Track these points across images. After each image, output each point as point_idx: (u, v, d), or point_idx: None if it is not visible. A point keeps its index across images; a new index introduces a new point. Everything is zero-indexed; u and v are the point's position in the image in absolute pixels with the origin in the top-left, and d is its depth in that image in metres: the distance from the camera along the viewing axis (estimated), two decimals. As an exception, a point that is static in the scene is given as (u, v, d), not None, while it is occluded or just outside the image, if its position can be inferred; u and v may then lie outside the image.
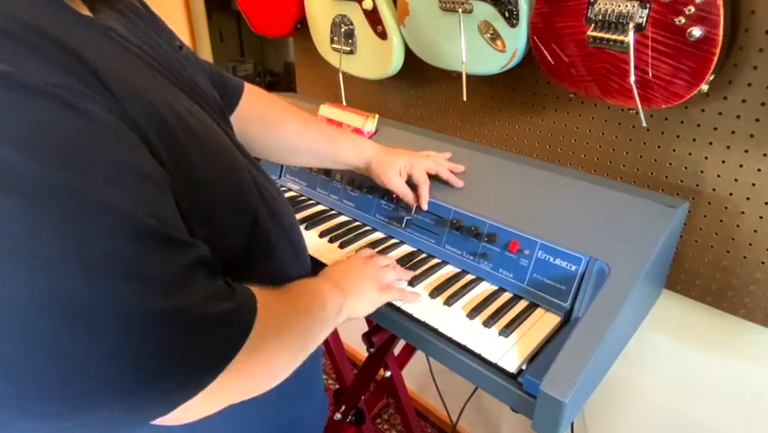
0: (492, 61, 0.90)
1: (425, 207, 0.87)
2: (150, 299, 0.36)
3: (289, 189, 1.11)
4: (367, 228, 0.95)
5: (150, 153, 0.39)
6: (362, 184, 0.97)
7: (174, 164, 0.42)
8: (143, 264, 0.36)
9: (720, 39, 0.65)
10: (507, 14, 0.83)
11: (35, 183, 0.32)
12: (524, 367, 0.64)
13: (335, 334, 1.25)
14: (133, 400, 0.36)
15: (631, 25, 0.70)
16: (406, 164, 0.87)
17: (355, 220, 0.98)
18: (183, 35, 1.90)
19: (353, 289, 0.67)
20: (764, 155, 0.76)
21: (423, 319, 0.72)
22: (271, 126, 0.83)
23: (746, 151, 0.77)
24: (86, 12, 0.44)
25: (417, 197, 0.87)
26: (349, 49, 1.12)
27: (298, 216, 1.00)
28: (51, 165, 0.32)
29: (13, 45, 0.34)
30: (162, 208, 0.39)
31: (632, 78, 0.73)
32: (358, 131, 1.04)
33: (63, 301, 0.33)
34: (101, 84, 0.37)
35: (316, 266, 0.81)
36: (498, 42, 0.87)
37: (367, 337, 0.90)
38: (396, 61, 1.06)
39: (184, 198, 0.42)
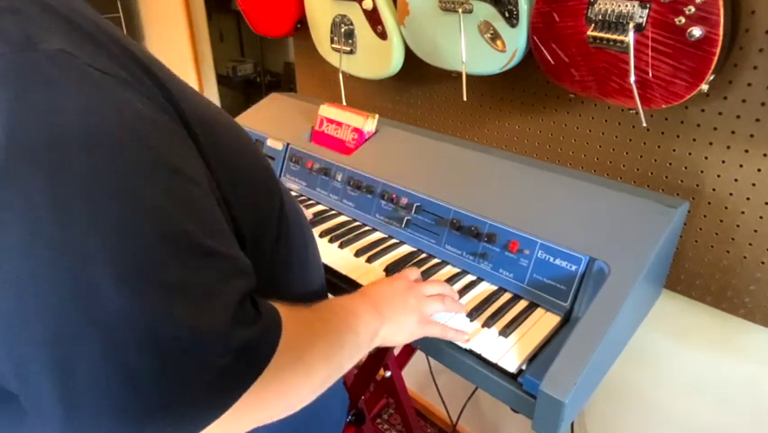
0: (492, 61, 0.90)
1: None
2: (172, 310, 0.33)
3: (289, 189, 1.11)
4: (367, 228, 0.95)
5: (198, 154, 0.39)
6: (362, 184, 0.97)
7: (218, 163, 0.42)
8: (171, 270, 0.34)
9: (720, 39, 0.65)
10: (507, 14, 0.83)
11: (70, 168, 0.31)
12: (524, 367, 0.64)
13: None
14: (132, 426, 0.33)
15: (631, 25, 0.70)
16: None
17: (355, 220, 0.98)
18: (183, 35, 1.89)
19: (393, 316, 0.63)
20: (764, 155, 0.76)
21: (423, 319, 0.72)
22: None
23: (746, 151, 0.77)
24: None
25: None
26: (349, 49, 1.12)
27: (298, 216, 0.99)
28: (88, 152, 0.32)
29: (77, 35, 0.35)
30: (204, 214, 0.37)
31: (632, 78, 0.73)
32: (358, 131, 1.04)
33: (74, 296, 0.31)
34: (155, 82, 0.37)
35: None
36: (498, 42, 0.87)
37: (367, 337, 0.90)
38: (396, 61, 1.06)
39: (225, 197, 0.42)
